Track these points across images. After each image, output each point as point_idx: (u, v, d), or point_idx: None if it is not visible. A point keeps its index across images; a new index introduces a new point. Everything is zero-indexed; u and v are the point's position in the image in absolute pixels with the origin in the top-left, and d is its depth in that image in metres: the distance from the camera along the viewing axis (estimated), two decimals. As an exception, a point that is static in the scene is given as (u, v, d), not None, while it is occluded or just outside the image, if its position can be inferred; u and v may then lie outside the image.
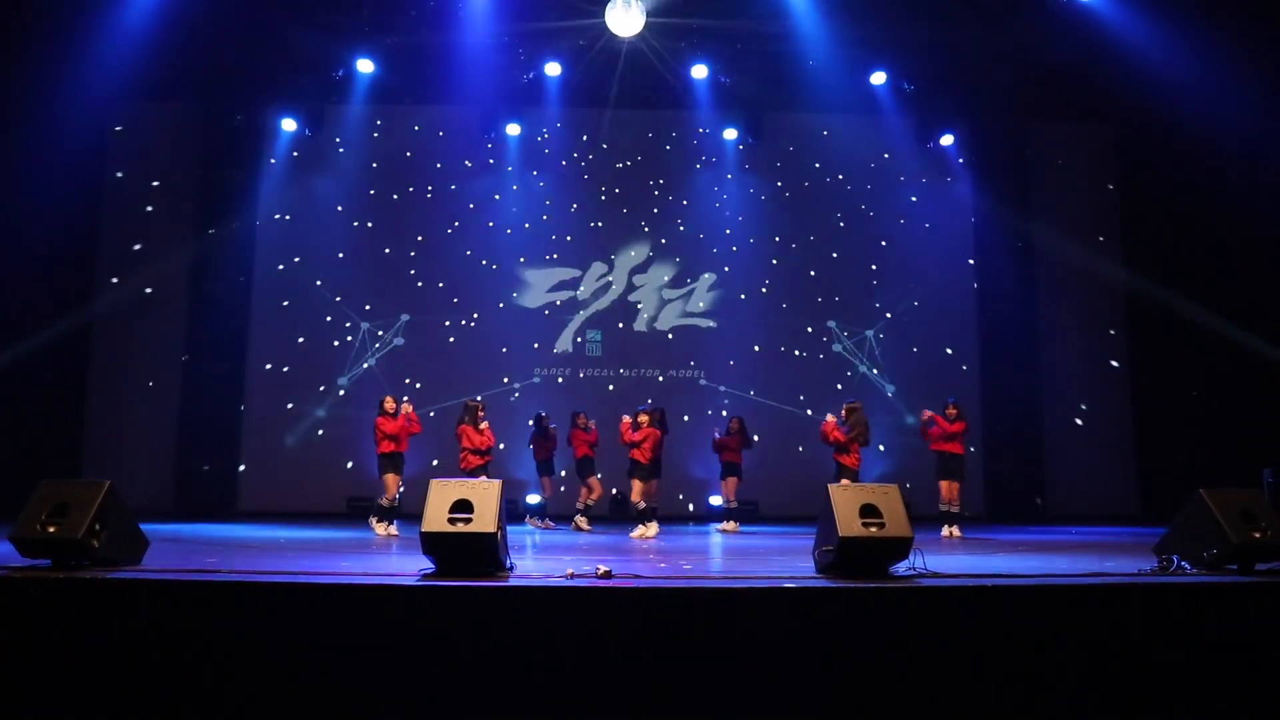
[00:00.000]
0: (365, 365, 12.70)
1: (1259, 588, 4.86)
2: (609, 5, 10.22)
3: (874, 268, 13.34)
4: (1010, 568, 5.76)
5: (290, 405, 12.68)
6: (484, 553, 4.88)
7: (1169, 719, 4.48)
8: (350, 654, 4.35)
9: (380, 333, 12.87)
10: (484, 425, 9.14)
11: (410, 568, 5.05)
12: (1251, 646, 4.65)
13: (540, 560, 6.18)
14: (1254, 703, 4.60)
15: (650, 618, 4.50)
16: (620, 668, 4.37)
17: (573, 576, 4.73)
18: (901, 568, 5.06)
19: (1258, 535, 5.12)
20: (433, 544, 4.87)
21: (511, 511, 12.14)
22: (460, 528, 4.84)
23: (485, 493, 4.96)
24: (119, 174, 12.54)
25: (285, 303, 12.82)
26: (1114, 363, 13.03)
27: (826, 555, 5.04)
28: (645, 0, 10.30)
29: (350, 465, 12.39)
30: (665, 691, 4.36)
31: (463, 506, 4.89)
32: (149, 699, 4.28)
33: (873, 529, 4.90)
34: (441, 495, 4.95)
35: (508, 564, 5.12)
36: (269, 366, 12.74)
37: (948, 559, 6.34)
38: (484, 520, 4.85)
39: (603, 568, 4.83)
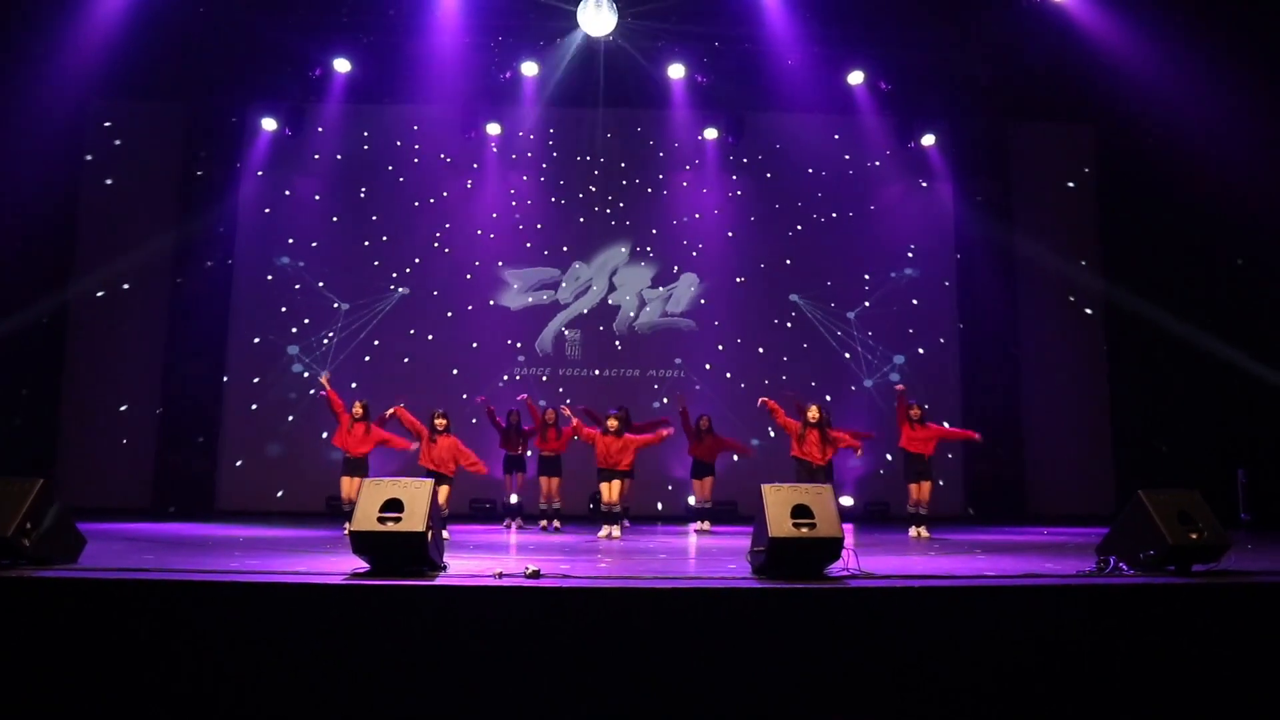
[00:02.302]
0: (331, 367, 12.68)
1: (1193, 589, 4.83)
2: (580, 4, 10.23)
3: (854, 268, 13.30)
4: (953, 569, 5.72)
5: (271, 404, 12.69)
6: (414, 552, 4.88)
7: (1096, 721, 4.46)
8: (275, 653, 4.36)
9: (357, 319, 12.91)
10: (440, 437, 8.84)
11: (349, 568, 5.04)
12: (1186, 648, 4.62)
13: (484, 560, 6.17)
14: (1186, 705, 4.57)
15: (576, 618, 4.49)
16: (546, 668, 4.36)
17: (501, 576, 4.73)
18: (836, 569, 5.04)
19: (1195, 536, 5.09)
20: (361, 543, 4.88)
21: (490, 512, 12.19)
22: (390, 527, 4.84)
23: (417, 492, 4.96)
24: (97, 171, 12.57)
25: (265, 300, 12.83)
26: (1093, 367, 13.01)
27: (758, 556, 5.03)
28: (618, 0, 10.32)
29: (328, 465, 12.39)
30: (590, 692, 4.35)
31: (393, 506, 4.90)
32: (80, 698, 4.30)
33: (804, 530, 4.88)
34: (373, 495, 4.96)
35: (441, 563, 5.14)
36: (249, 364, 12.76)
37: (893, 560, 6.32)
38: (414, 520, 4.86)
39: (531, 567, 4.82)
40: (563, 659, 4.38)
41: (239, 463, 12.58)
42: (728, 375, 13.05)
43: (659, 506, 12.49)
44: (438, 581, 4.68)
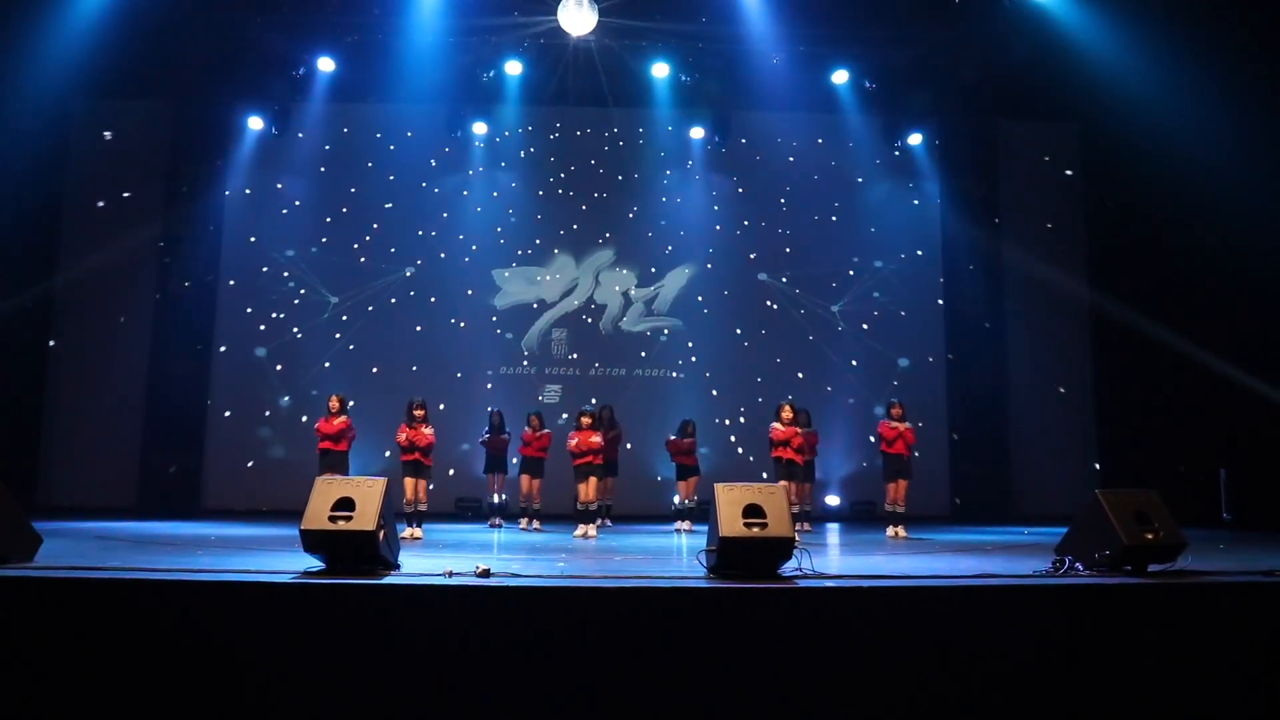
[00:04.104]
0: (316, 366, 12.71)
1: (1148, 589, 4.81)
2: (560, 4, 10.23)
3: (840, 267, 13.28)
4: (913, 569, 5.70)
5: (257, 402, 12.71)
6: (365, 551, 4.88)
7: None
8: (226, 650, 4.36)
9: (344, 316, 12.94)
10: (419, 425, 8.99)
11: (306, 566, 5.04)
12: (1140, 648, 4.60)
13: (445, 558, 6.16)
14: (1139, 705, 4.55)
15: (524, 617, 4.49)
16: (493, 667, 4.35)
17: (451, 575, 4.73)
18: (788, 568, 5.03)
19: (1150, 536, 5.07)
20: (312, 541, 4.88)
21: (475, 510, 12.21)
22: (341, 526, 4.85)
23: (369, 491, 4.97)
24: (82, 170, 12.58)
25: (250, 298, 12.84)
26: (1078, 366, 12.97)
27: (710, 555, 5.02)
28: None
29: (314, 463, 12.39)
30: (538, 692, 4.35)
31: (345, 505, 4.90)
32: (32, 695, 4.31)
33: (755, 529, 4.87)
34: (324, 493, 4.96)
35: (395, 562, 5.14)
36: (235, 363, 12.77)
37: (860, 559, 6.32)
38: (365, 518, 4.86)
39: (481, 566, 4.83)
40: (511, 658, 4.38)
41: (226, 462, 12.60)
42: (712, 374, 13.04)
43: (647, 506, 12.45)
44: (386, 580, 4.68)
